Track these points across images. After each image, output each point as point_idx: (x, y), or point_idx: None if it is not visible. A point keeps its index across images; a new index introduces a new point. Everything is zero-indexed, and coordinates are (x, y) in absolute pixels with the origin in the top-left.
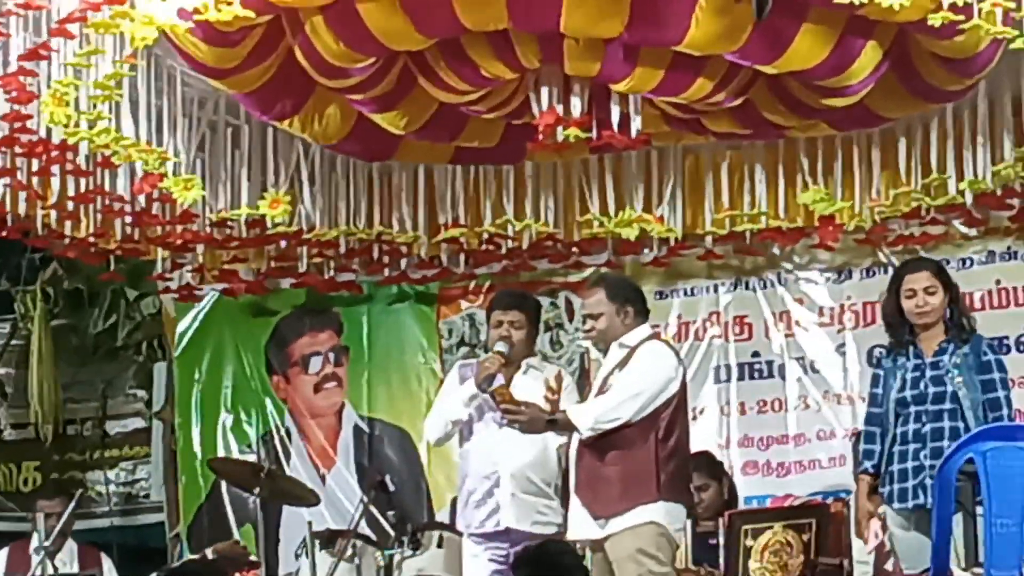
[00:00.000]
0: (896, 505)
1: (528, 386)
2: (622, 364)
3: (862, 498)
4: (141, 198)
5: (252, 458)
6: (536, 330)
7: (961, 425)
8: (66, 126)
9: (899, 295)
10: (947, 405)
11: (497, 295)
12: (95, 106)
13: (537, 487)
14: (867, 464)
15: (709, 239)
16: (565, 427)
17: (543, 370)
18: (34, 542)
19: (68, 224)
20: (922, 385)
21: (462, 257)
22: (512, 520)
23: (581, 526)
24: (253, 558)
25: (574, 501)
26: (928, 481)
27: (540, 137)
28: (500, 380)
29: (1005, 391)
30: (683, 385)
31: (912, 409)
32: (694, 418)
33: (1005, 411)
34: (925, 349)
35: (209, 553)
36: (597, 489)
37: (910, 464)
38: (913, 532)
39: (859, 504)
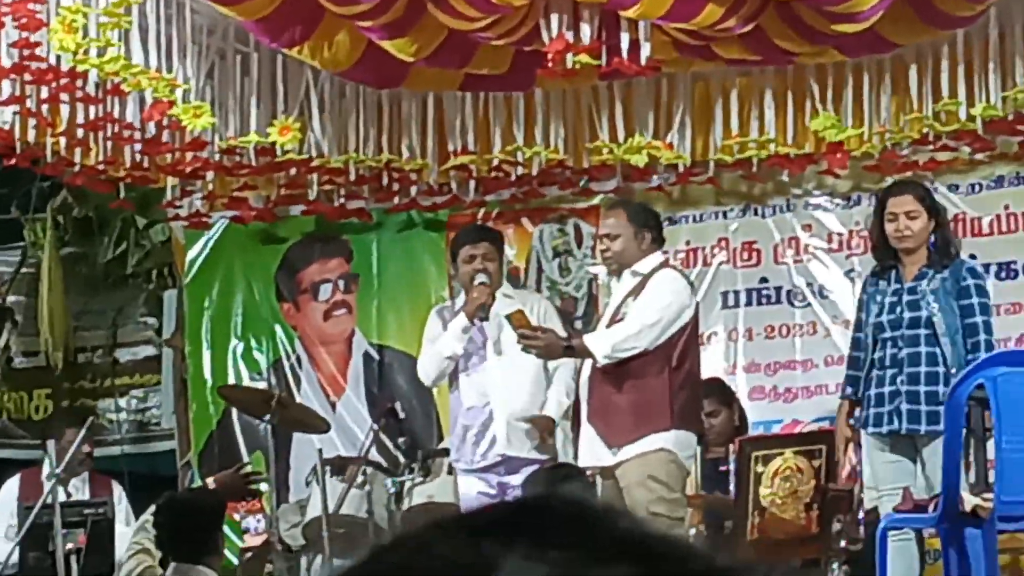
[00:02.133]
0: (871, 429)
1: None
2: (636, 292)
3: (841, 422)
4: (151, 125)
5: (262, 385)
6: (502, 261)
7: (937, 350)
8: (75, 53)
9: (883, 219)
10: (923, 330)
11: (460, 231)
12: (104, 33)
13: (529, 413)
14: (848, 389)
15: (715, 165)
16: (581, 353)
17: (516, 298)
18: (46, 469)
19: (77, 152)
20: (898, 310)
21: (471, 184)
22: (508, 448)
23: (593, 453)
24: (257, 487)
25: (586, 428)
26: (904, 406)
27: (550, 64)
28: (511, 305)
29: (984, 316)
30: (696, 313)
31: (888, 334)
32: (702, 344)
33: (982, 336)
34: (906, 274)
35: (210, 482)
36: (610, 417)
37: (886, 389)
38: (890, 454)
39: (839, 429)
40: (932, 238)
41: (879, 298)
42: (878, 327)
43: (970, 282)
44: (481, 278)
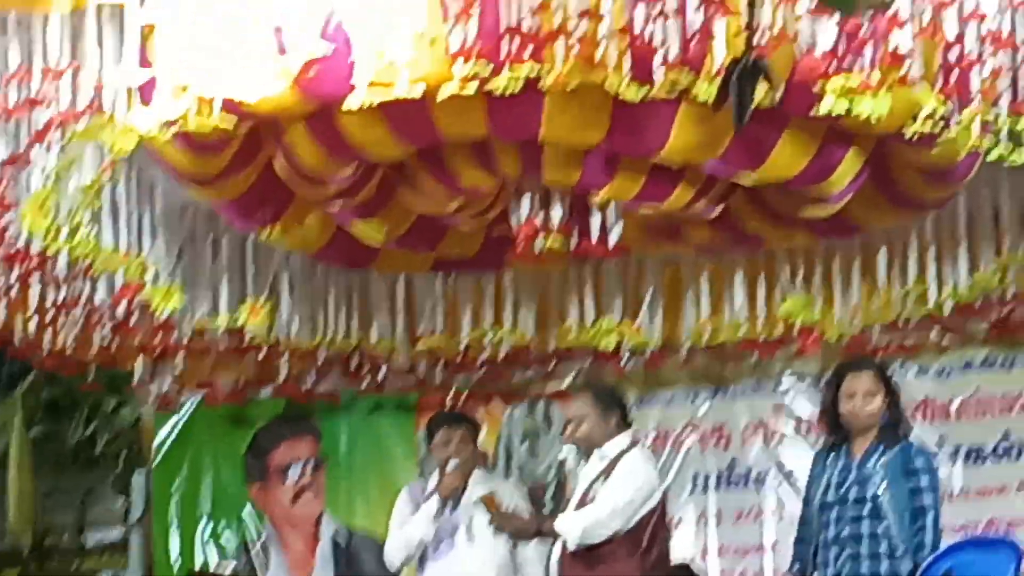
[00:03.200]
0: None
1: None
2: (604, 474)
3: None
4: (120, 308)
5: (231, 568)
6: (476, 446)
7: (880, 530)
8: (45, 235)
9: (837, 393)
10: (867, 509)
11: (433, 417)
12: (74, 215)
13: None
14: (796, 566)
15: (687, 349)
16: (552, 536)
17: (491, 482)
18: None
19: (47, 334)
20: (843, 488)
21: (440, 366)
22: None
23: None
24: None
25: None
26: None
27: (519, 248)
28: (483, 489)
29: (932, 499)
30: (664, 495)
31: (835, 513)
32: (672, 528)
33: (929, 520)
34: (855, 450)
35: None
36: None
37: (830, 571)
38: None
39: None
40: (884, 415)
41: (826, 475)
42: (824, 506)
43: (920, 464)
44: (454, 463)
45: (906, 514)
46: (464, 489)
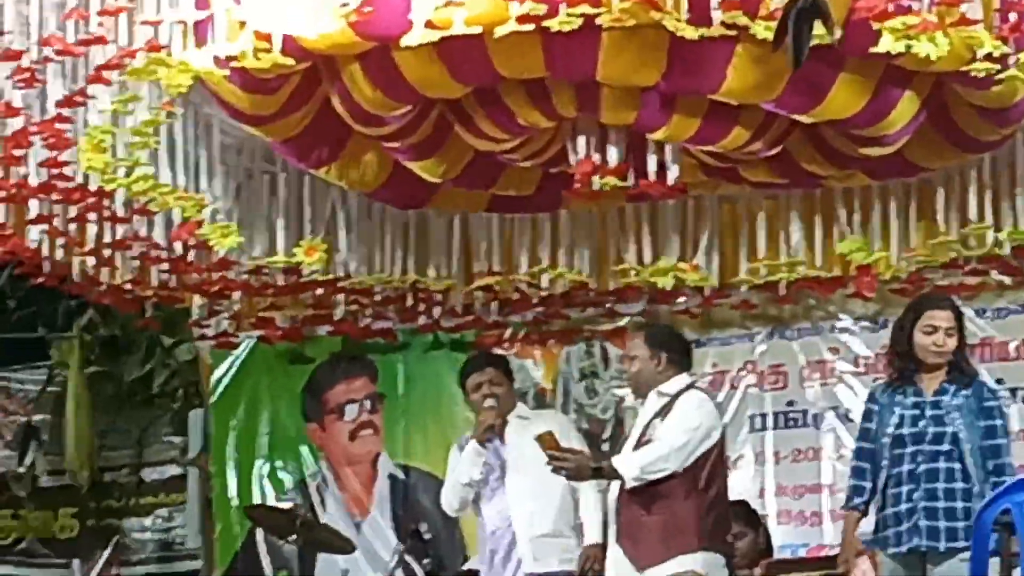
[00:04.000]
0: (891, 550)
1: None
2: (663, 413)
3: (850, 534)
4: (178, 245)
5: (288, 505)
6: (511, 384)
7: (958, 467)
8: (103, 173)
9: (913, 328)
10: (945, 446)
11: (467, 361)
12: (132, 153)
13: (552, 528)
14: (856, 500)
15: (744, 288)
16: (610, 475)
17: (532, 419)
18: None
19: (104, 271)
20: (921, 424)
21: (495, 305)
22: (535, 565)
23: (620, 574)
24: None
25: (614, 549)
26: (922, 523)
27: (577, 186)
28: (526, 425)
29: (1005, 438)
30: (723, 435)
31: (909, 449)
32: (730, 467)
33: (1006, 459)
34: (926, 388)
35: None
36: (639, 538)
37: (904, 506)
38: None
39: (847, 541)
40: (956, 354)
41: (896, 410)
42: (897, 441)
43: (994, 403)
44: (489, 402)
45: (980, 452)
46: (502, 427)
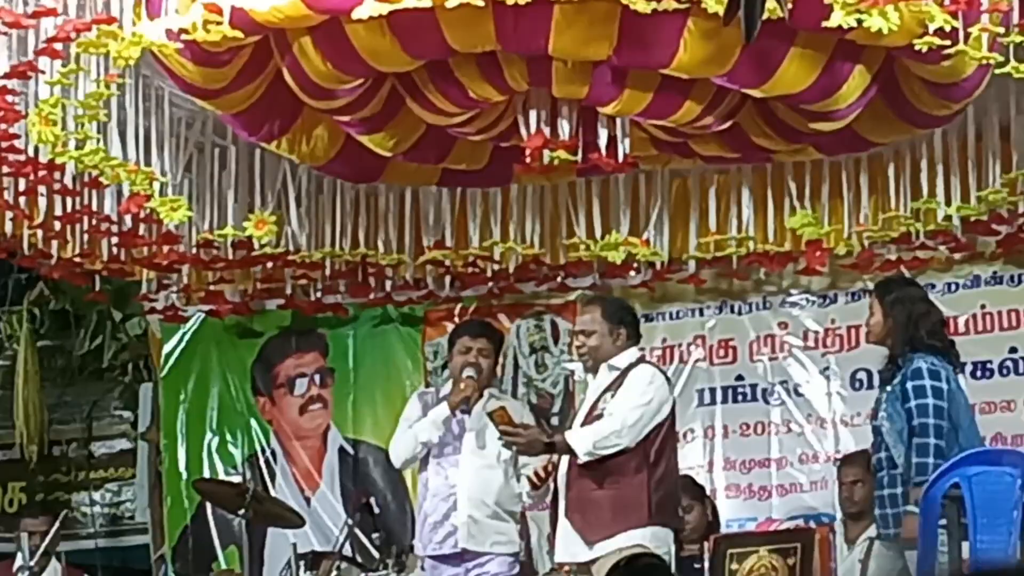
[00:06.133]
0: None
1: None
2: (613, 387)
3: None
4: (127, 218)
5: (237, 479)
6: (497, 360)
7: (884, 455)
8: (53, 145)
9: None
10: (877, 437)
11: (466, 323)
12: (82, 126)
13: (493, 510)
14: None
15: (694, 263)
16: (562, 450)
17: (502, 400)
18: (18, 562)
19: (54, 244)
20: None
21: (447, 279)
22: (468, 541)
23: (569, 548)
24: None
25: (563, 523)
26: (876, 511)
27: (528, 160)
28: (495, 403)
29: (927, 417)
30: (673, 409)
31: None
32: (679, 442)
33: (929, 439)
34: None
35: None
36: (588, 513)
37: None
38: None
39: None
40: (888, 339)
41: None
42: (875, 430)
43: (912, 384)
44: (470, 372)
45: (908, 434)
46: (477, 400)
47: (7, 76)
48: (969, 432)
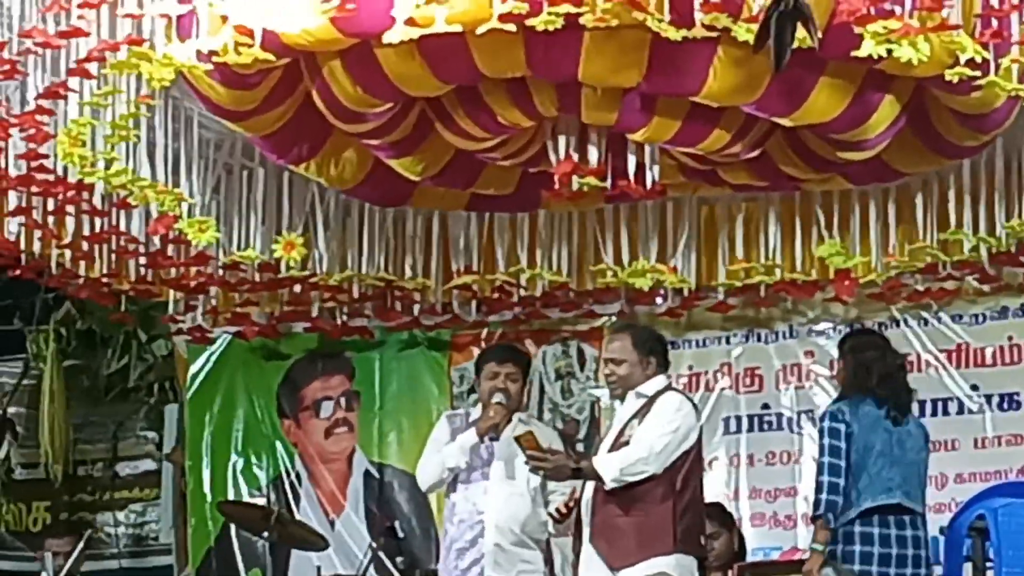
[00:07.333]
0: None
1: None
2: (641, 414)
3: None
4: (155, 239)
5: (262, 502)
6: (525, 383)
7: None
8: (82, 166)
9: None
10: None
11: (492, 347)
12: (111, 147)
13: (520, 538)
14: None
15: (722, 290)
16: (590, 476)
17: (530, 425)
18: None
19: (82, 264)
20: None
21: (474, 304)
22: (495, 569)
23: (593, 574)
24: None
25: (587, 549)
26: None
27: (556, 186)
28: (522, 428)
29: (825, 456)
30: (700, 437)
31: None
32: (705, 469)
33: (822, 477)
34: None
35: None
36: (613, 539)
37: None
38: None
39: None
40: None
41: None
42: None
43: (824, 424)
44: (499, 398)
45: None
46: (506, 426)
47: (41, 96)
48: (877, 476)
